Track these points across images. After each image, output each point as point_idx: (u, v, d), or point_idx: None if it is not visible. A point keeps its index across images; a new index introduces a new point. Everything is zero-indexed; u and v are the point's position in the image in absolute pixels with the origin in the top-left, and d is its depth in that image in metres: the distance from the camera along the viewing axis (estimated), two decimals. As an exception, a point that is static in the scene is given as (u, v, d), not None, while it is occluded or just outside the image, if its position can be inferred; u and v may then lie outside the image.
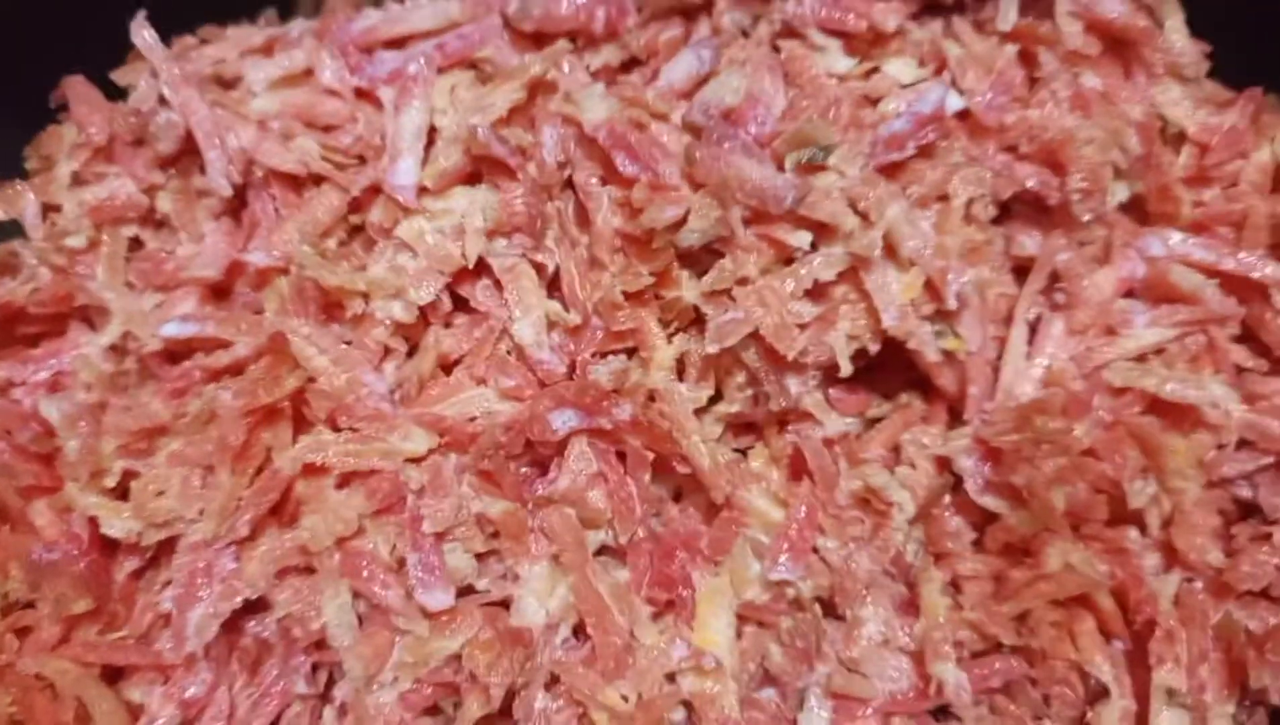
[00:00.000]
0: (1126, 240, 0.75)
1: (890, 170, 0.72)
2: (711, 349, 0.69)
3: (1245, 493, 0.72)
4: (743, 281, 0.69)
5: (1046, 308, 0.75)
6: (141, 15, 0.77)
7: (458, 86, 0.76)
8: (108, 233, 0.77)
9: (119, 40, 0.79)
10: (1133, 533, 0.70)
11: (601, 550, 0.71)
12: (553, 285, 0.73)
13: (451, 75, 0.77)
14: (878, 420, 0.75)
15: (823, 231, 0.70)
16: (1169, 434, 0.70)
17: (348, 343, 0.72)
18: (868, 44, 0.78)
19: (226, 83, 0.79)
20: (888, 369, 0.74)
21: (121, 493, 0.70)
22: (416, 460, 0.69)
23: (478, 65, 0.78)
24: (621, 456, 0.70)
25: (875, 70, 0.78)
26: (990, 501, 0.70)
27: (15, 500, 0.71)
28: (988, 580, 0.70)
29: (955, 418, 0.74)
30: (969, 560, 0.71)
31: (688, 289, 0.71)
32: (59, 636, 0.69)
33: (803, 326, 0.70)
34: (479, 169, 0.74)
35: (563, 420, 0.69)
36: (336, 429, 0.70)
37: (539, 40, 0.78)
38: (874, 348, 0.71)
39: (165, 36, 0.79)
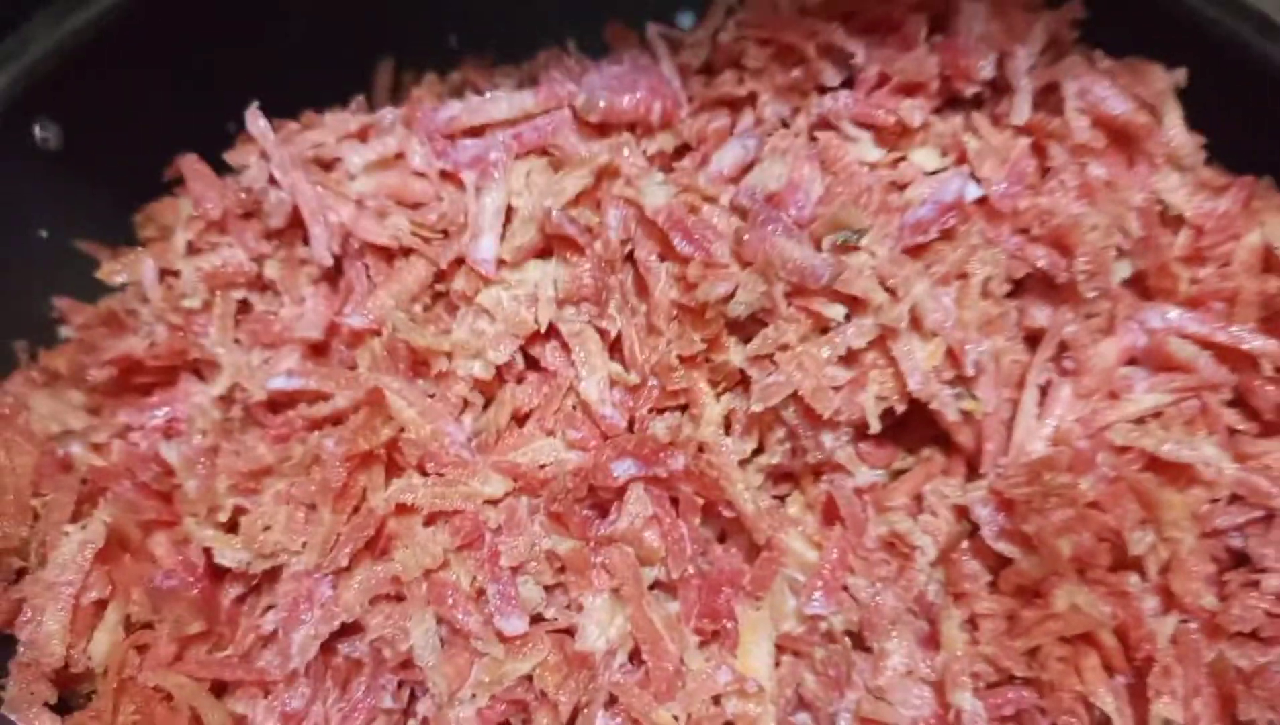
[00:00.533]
0: (1128, 314, 0.80)
1: (915, 251, 0.78)
2: (756, 407, 0.74)
3: (1237, 543, 0.76)
4: (784, 348, 0.75)
5: (1056, 374, 0.80)
6: (255, 105, 0.85)
7: (532, 171, 0.84)
8: (220, 295, 0.85)
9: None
10: (1133, 578, 0.74)
11: (655, 584, 0.76)
12: (614, 348, 0.80)
13: (526, 161, 0.85)
14: (902, 472, 0.81)
15: (855, 305, 0.76)
16: (1166, 489, 0.75)
17: (431, 396, 0.80)
18: (896, 136, 0.85)
19: (325, 164, 0.88)
20: (912, 427, 0.80)
21: (231, 527, 0.77)
22: (494, 502, 0.76)
23: (549, 152, 0.86)
24: (674, 502, 0.76)
25: (902, 159, 0.84)
26: (1004, 547, 0.74)
27: (136, 532, 0.78)
28: (1002, 618, 0.74)
29: (973, 471, 0.79)
30: (985, 600, 0.75)
31: (735, 354, 0.77)
32: (174, 654, 0.75)
33: (837, 388, 0.75)
34: (551, 245, 0.82)
35: (623, 468, 0.75)
36: (424, 473, 0.77)
37: (603, 129, 0.86)
38: (900, 408, 0.77)
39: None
